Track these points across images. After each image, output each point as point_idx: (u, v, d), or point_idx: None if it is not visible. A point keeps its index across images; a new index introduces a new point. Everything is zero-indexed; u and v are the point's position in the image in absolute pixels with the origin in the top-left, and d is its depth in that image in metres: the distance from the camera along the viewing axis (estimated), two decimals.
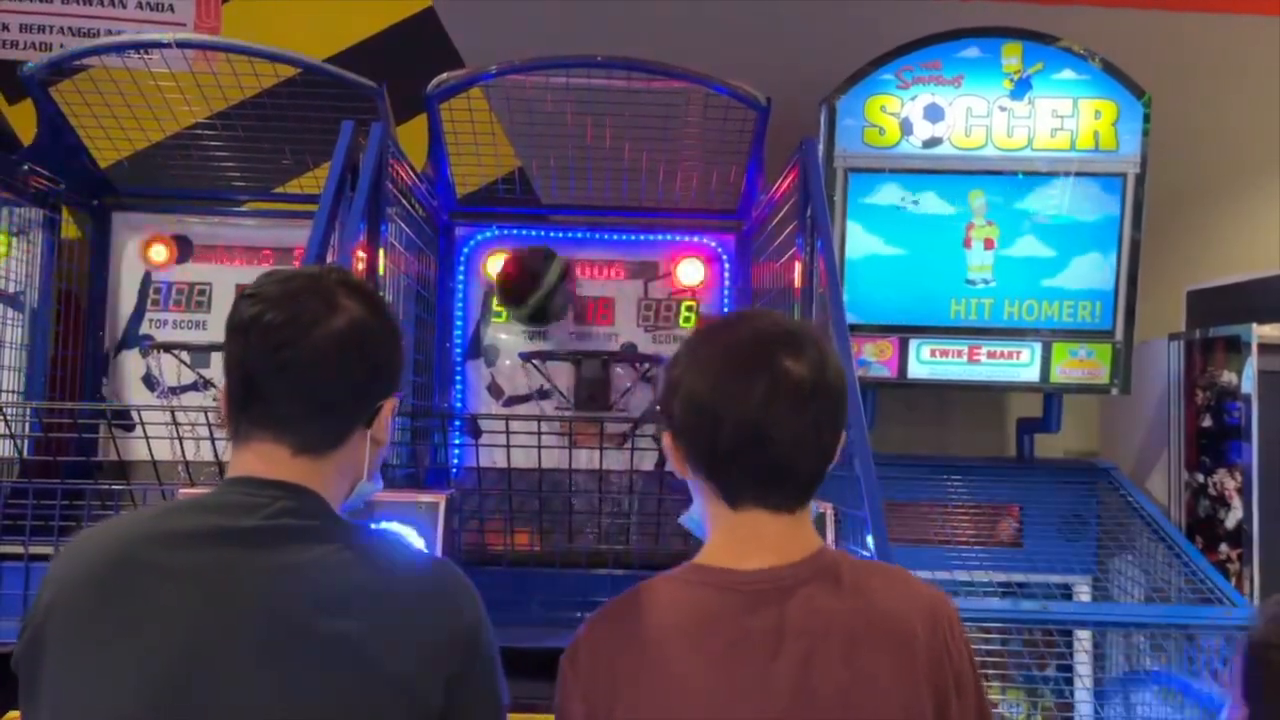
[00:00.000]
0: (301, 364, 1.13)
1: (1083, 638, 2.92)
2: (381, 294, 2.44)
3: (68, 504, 2.31)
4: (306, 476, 1.16)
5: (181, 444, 2.38)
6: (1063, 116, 3.10)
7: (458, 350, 3.39)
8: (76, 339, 3.20)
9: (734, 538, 1.18)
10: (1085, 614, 2.86)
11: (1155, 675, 2.77)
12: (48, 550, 2.25)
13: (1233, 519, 2.86)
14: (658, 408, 1.28)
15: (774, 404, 1.12)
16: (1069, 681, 2.91)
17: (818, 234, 2.38)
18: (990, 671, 2.75)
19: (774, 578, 1.15)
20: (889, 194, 3.13)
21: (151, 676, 1.02)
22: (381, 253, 2.44)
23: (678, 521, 1.30)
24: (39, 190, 3.08)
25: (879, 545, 1.87)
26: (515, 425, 2.45)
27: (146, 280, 3.29)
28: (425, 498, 1.94)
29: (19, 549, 2.28)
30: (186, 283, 3.30)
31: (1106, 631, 2.88)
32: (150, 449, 2.35)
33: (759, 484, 1.16)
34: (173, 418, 2.34)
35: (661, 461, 2.92)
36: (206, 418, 2.37)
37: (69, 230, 3.27)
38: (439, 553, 1.85)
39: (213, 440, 2.37)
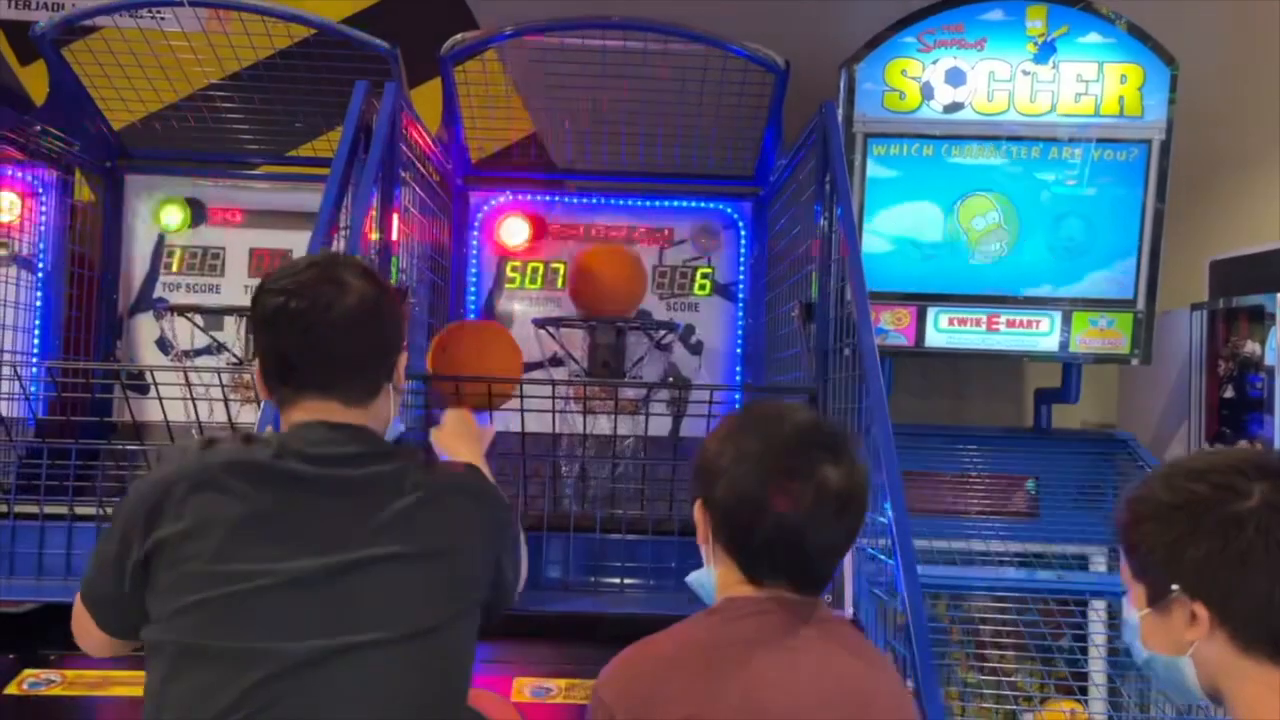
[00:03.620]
0: (329, 339, 1.36)
1: (1098, 608, 2.91)
2: (394, 258, 2.44)
3: (82, 465, 2.30)
4: (352, 419, 1.39)
5: (195, 405, 2.37)
6: (1087, 81, 3.05)
7: (472, 316, 3.37)
8: (90, 302, 3.19)
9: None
10: (1101, 584, 2.84)
11: None
12: (62, 510, 2.26)
13: None
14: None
15: (815, 511, 1.23)
16: (1084, 652, 2.90)
17: (837, 200, 2.35)
18: (1006, 641, 2.75)
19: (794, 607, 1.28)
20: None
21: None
22: (395, 217, 2.42)
23: (685, 581, 1.40)
24: (52, 152, 3.07)
25: (897, 514, 1.85)
26: (529, 390, 2.45)
27: (160, 243, 3.28)
28: None
29: (34, 509, 2.27)
30: (200, 246, 3.28)
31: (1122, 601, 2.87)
32: (164, 409, 2.34)
33: (787, 573, 1.28)
34: (185, 379, 2.33)
35: (676, 428, 2.91)
36: (220, 379, 2.37)
37: (82, 193, 3.26)
38: None
39: (226, 402, 2.37)
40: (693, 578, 1.38)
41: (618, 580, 2.25)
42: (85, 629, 1.41)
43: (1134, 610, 1.14)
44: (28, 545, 2.26)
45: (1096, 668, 2.88)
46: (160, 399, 2.33)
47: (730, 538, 1.28)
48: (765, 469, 1.24)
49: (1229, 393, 2.97)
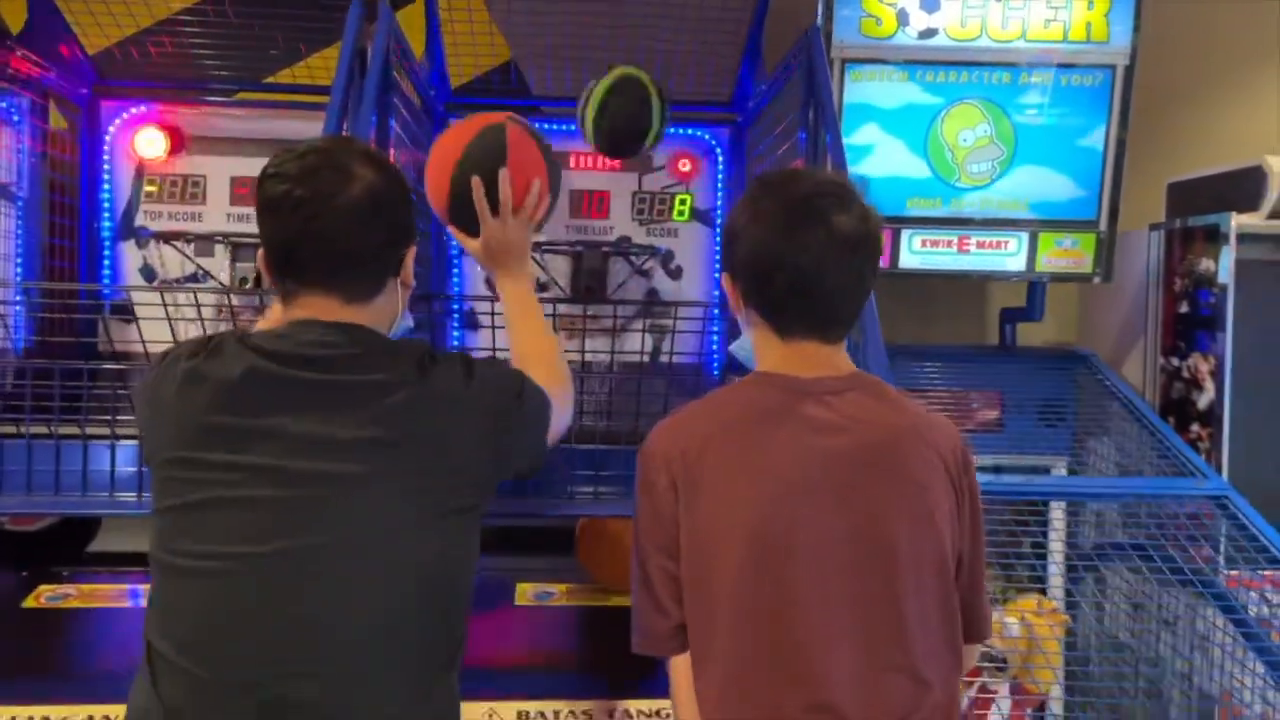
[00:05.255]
0: (331, 231, 1.30)
1: (1057, 514, 3.08)
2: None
3: (70, 386, 2.32)
4: (354, 318, 1.35)
5: (173, 328, 2.36)
6: (1056, 7, 3.13)
7: (455, 244, 3.41)
8: (72, 231, 3.18)
9: (788, 359, 1.37)
10: (1064, 486, 3.01)
11: (1126, 547, 2.93)
12: (44, 430, 2.29)
13: (1204, 400, 3.01)
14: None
15: (826, 255, 1.31)
16: (1041, 557, 3.07)
17: (825, 128, 2.40)
18: None
19: (827, 383, 1.35)
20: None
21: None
22: (391, 149, 2.45)
23: (729, 350, 1.51)
24: (27, 77, 3.03)
25: None
26: None
27: (140, 172, 3.27)
28: None
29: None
30: (181, 175, 3.27)
31: (1081, 506, 3.04)
32: (140, 331, 2.33)
33: (809, 321, 1.36)
34: (161, 299, 2.32)
35: (655, 352, 3.01)
36: (195, 299, 2.40)
37: (58, 122, 3.22)
38: None
39: (202, 324, 2.40)
40: (734, 346, 1.50)
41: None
42: None
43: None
44: (15, 463, 2.30)
45: (1054, 571, 3.06)
46: (137, 319, 2.34)
47: (754, 293, 1.37)
48: (779, 221, 1.33)
49: (1185, 308, 3.13)
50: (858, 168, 3.15)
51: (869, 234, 1.34)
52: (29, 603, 2.25)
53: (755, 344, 1.42)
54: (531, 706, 1.88)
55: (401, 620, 1.24)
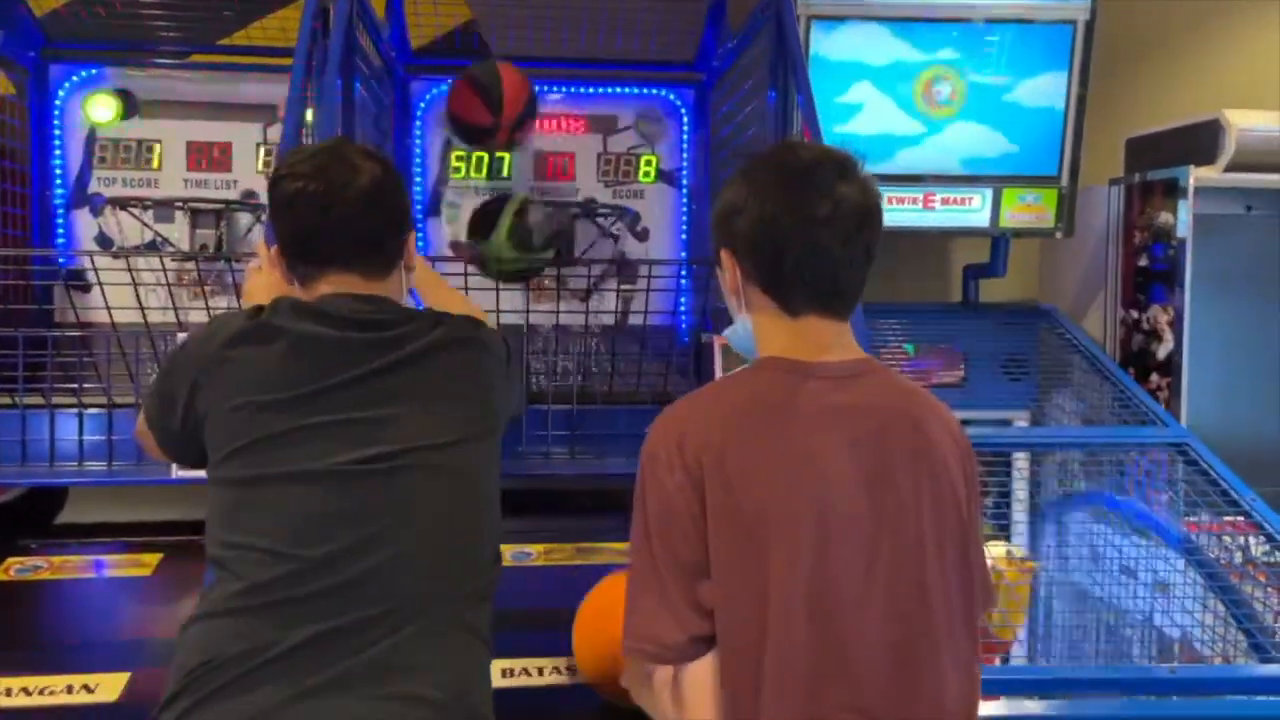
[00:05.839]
0: (347, 216, 1.47)
1: (1020, 466, 3.14)
2: None
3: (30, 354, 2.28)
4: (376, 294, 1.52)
5: (139, 294, 2.32)
6: None
7: (419, 207, 3.38)
8: (23, 199, 3.10)
9: (796, 341, 1.32)
10: (1026, 437, 3.07)
11: (1088, 496, 3.00)
12: (9, 401, 2.26)
13: (1163, 351, 3.08)
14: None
15: (835, 228, 1.27)
16: (1006, 508, 3.14)
17: (798, 89, 2.39)
18: None
19: (838, 367, 1.31)
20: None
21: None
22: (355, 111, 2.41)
23: (722, 335, 1.45)
24: None
25: None
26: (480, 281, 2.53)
27: (91, 137, 3.18)
28: None
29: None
30: (134, 139, 3.19)
31: (1044, 457, 3.10)
32: (105, 297, 2.31)
33: (819, 297, 1.31)
34: (128, 264, 2.29)
35: (620, 319, 3.00)
36: (162, 263, 2.37)
37: (4, 85, 3.13)
38: None
39: (169, 288, 2.37)
40: (729, 333, 1.41)
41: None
42: (148, 441, 1.55)
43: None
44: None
45: (1018, 518, 3.13)
46: (101, 284, 2.30)
47: (759, 269, 1.31)
48: (785, 193, 1.28)
49: (1144, 261, 3.19)
50: (844, 127, 3.17)
51: (873, 206, 1.31)
52: None
53: (758, 327, 1.36)
54: (515, 664, 1.89)
55: (460, 519, 1.44)
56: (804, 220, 1.26)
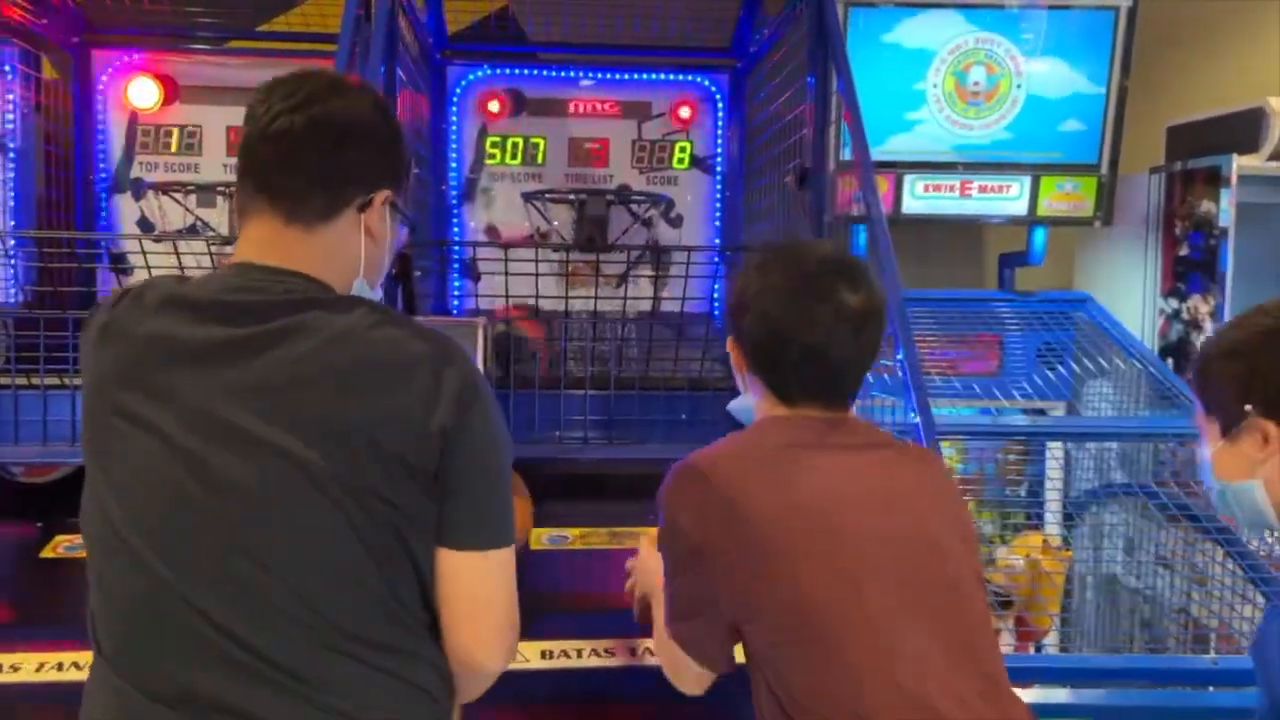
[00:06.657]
0: (293, 134, 1.19)
1: (1056, 455, 3.11)
2: None
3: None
4: (297, 248, 1.22)
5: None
6: None
7: (454, 193, 3.40)
8: (67, 183, 3.14)
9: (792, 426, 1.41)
10: (1064, 427, 3.04)
11: (1125, 486, 2.97)
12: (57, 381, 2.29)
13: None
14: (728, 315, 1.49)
15: (835, 331, 1.35)
16: (1042, 497, 3.11)
17: (839, 75, 2.38)
18: (966, 487, 2.94)
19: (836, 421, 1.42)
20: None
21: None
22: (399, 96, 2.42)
23: (726, 409, 1.54)
24: (17, 25, 2.97)
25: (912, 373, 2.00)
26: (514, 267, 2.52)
27: (133, 123, 3.22)
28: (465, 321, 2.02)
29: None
30: (176, 125, 3.23)
31: (1080, 447, 3.07)
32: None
33: (814, 390, 1.40)
34: (174, 248, 2.31)
35: (655, 305, 3.00)
36: (209, 248, 2.38)
37: (49, 71, 3.17)
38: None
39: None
40: (734, 405, 1.51)
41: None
42: None
43: (1207, 447, 1.28)
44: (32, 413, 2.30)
45: (1054, 507, 3.10)
46: (148, 267, 2.32)
47: (761, 364, 1.41)
48: (789, 298, 1.36)
49: (1184, 250, 3.16)
50: None
51: (875, 310, 1.38)
52: (47, 553, 2.25)
53: (758, 409, 1.45)
54: (555, 646, 1.91)
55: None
56: (805, 325, 1.35)
